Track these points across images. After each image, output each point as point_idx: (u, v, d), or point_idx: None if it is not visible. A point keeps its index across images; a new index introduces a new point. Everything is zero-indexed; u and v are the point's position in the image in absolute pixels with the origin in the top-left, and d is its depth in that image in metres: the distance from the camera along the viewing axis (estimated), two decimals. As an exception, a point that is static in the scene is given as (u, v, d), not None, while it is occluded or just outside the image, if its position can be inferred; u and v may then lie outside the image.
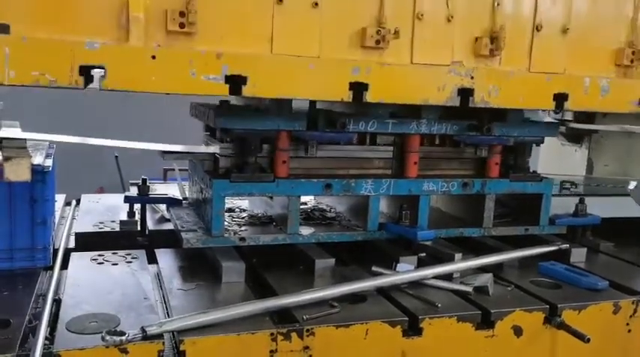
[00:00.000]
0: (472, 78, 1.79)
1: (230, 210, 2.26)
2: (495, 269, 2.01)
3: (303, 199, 2.32)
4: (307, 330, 1.50)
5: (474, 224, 2.18)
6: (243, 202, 2.40)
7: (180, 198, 2.35)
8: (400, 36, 1.74)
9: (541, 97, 1.89)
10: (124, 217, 2.34)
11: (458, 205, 2.36)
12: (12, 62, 1.34)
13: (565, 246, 2.16)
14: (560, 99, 1.90)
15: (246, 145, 1.87)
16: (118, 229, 2.27)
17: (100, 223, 2.33)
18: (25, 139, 1.84)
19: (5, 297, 1.58)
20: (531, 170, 2.28)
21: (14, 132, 2.04)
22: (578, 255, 2.21)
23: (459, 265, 1.93)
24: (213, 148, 1.95)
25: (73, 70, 1.38)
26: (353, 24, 1.71)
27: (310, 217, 2.26)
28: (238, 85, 1.54)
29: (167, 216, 2.36)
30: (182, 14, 1.50)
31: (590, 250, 2.31)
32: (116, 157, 5.25)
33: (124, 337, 1.32)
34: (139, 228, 2.28)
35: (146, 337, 1.35)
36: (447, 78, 1.77)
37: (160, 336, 1.38)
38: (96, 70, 1.42)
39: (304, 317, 1.54)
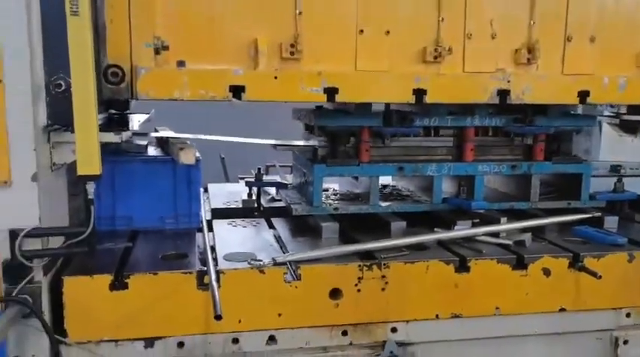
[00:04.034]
0: (509, 81, 2.29)
1: (324, 190, 2.91)
2: (536, 231, 2.51)
3: (382, 182, 2.92)
4: (384, 264, 2.12)
5: (522, 200, 2.69)
6: (334, 185, 3.05)
7: (286, 183, 3.04)
8: (453, 52, 2.30)
9: (567, 93, 2.37)
10: (243, 198, 3.06)
11: (509, 186, 2.88)
12: (188, 85, 2.03)
13: (598, 214, 2.61)
14: (583, 95, 2.37)
15: (337, 138, 2.52)
16: (240, 206, 2.99)
17: (227, 202, 3.07)
18: (184, 138, 2.60)
19: (179, 244, 2.32)
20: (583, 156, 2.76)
21: (170, 133, 2.82)
22: (611, 222, 2.64)
23: (505, 226, 2.45)
24: (313, 141, 2.61)
25: (225, 88, 2.05)
26: (416, 44, 2.27)
27: (388, 195, 2.87)
28: (332, 94, 2.15)
29: (276, 197, 3.06)
30: (292, 46, 2.14)
31: (625, 220, 2.73)
32: (222, 158, 6.04)
33: (261, 262, 2.00)
34: (256, 205, 2.99)
35: (276, 263, 2.03)
36: (489, 82, 2.29)
37: (284, 264, 2.06)
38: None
39: (382, 256, 2.16)
